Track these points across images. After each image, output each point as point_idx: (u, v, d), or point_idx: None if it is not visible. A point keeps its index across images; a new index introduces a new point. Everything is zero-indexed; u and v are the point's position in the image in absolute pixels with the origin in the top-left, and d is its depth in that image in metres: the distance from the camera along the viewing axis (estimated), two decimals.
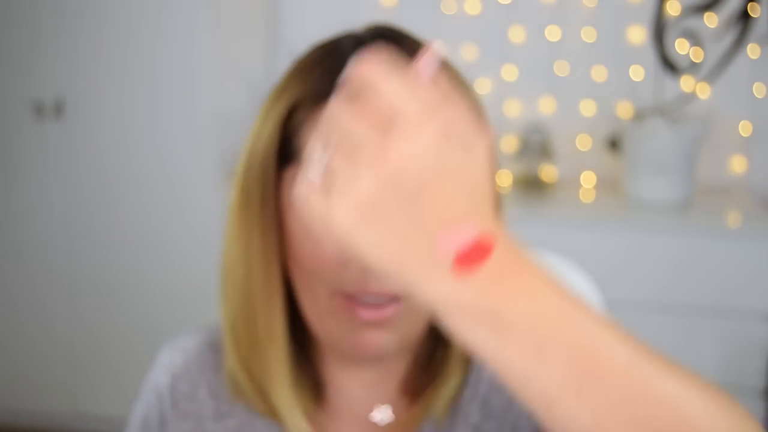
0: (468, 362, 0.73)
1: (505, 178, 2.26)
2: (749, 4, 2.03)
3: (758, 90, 2.23)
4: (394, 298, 0.66)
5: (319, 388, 0.74)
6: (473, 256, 0.45)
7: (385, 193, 0.43)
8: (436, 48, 0.46)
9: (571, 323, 0.44)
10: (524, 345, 0.44)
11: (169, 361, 0.78)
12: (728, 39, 2.07)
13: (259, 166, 0.69)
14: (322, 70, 0.67)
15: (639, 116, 2.15)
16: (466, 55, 2.34)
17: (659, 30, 2.05)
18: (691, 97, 2.15)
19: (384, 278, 0.45)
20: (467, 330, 0.45)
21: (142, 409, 0.78)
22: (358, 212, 0.43)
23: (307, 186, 0.44)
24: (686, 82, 2.14)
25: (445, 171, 0.44)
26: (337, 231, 0.44)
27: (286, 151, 0.68)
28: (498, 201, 0.75)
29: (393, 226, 0.43)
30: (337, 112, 0.44)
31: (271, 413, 0.72)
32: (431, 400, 0.71)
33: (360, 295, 0.65)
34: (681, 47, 2.11)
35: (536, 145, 2.23)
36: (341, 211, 0.43)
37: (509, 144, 2.33)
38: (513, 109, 2.35)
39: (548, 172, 2.23)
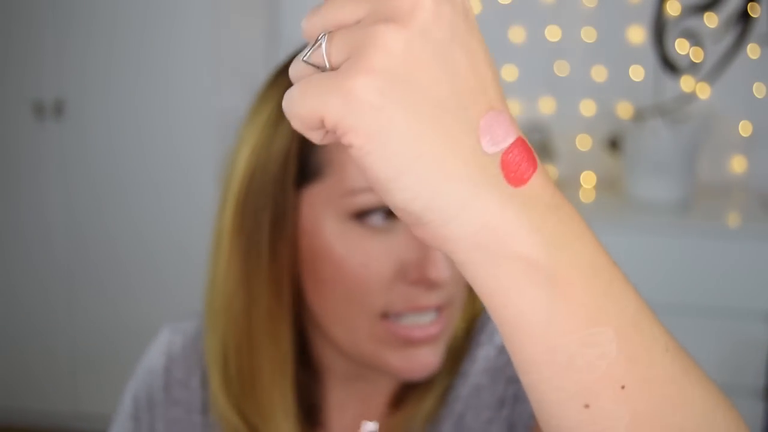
0: (450, 377, 0.70)
1: None
2: (749, 4, 2.03)
3: (758, 90, 2.23)
4: (439, 309, 0.63)
5: (314, 411, 0.71)
6: (519, 163, 0.35)
7: (414, 48, 0.33)
8: None
9: (618, 285, 0.36)
10: (579, 310, 0.35)
11: (168, 342, 0.75)
12: (728, 39, 2.07)
13: (270, 187, 0.63)
14: None
15: (639, 116, 2.15)
16: None
17: (659, 30, 2.05)
18: (691, 97, 2.15)
19: (411, 197, 0.33)
20: (511, 281, 0.35)
21: (134, 388, 0.75)
22: (388, 84, 0.32)
23: (304, 68, 0.35)
24: (686, 82, 2.14)
25: (473, 24, 0.36)
26: (355, 116, 0.33)
27: (303, 168, 0.63)
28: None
29: (428, 97, 0.33)
30: None
31: None
32: (411, 415, 0.69)
33: (408, 314, 0.62)
34: (681, 47, 2.11)
35: (536, 145, 2.23)
36: (367, 90, 0.32)
37: None
38: (513, 109, 2.35)
39: (548, 172, 2.23)
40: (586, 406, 0.35)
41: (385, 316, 0.63)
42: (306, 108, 0.33)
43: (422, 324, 0.62)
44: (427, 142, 0.33)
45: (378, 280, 0.61)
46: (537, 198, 0.35)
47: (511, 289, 0.34)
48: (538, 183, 0.35)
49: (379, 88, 0.32)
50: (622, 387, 0.35)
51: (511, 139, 0.34)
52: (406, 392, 0.71)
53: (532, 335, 0.35)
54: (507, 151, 0.34)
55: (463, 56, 0.34)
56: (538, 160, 0.35)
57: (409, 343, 0.62)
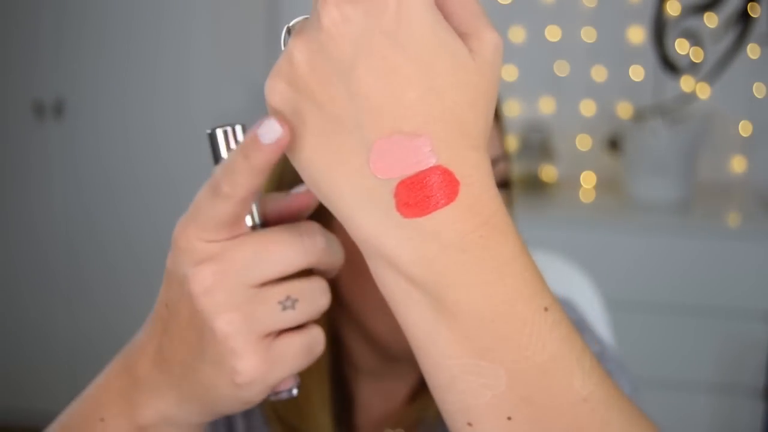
0: None
1: None
2: (749, 4, 2.03)
3: (758, 90, 2.23)
4: None
5: (348, 405, 0.70)
6: (423, 193, 0.33)
7: (315, 63, 0.33)
8: None
9: (530, 334, 0.34)
10: (463, 341, 0.34)
11: None
12: (728, 39, 2.07)
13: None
14: None
15: (639, 116, 2.15)
16: None
17: (659, 30, 2.04)
18: (691, 97, 2.15)
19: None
20: (396, 293, 0.35)
21: None
22: (290, 92, 0.34)
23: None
24: (686, 82, 2.14)
25: (407, 41, 0.32)
26: (271, 111, 0.35)
27: None
28: (497, 138, 0.67)
29: (323, 112, 0.33)
30: None
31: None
32: (425, 409, 0.68)
33: None
34: (681, 47, 2.11)
35: (536, 145, 2.23)
36: (272, 92, 0.35)
37: (509, 144, 2.32)
38: (513, 109, 2.35)
39: (548, 172, 2.23)
40: (469, 424, 0.35)
41: None
42: None
43: None
44: (317, 152, 0.34)
45: None
46: (434, 234, 0.33)
47: (399, 302, 0.35)
48: (444, 220, 0.33)
49: (282, 93, 0.34)
50: (509, 418, 0.34)
51: (413, 169, 0.32)
52: (423, 387, 0.69)
53: (418, 348, 0.36)
54: (405, 180, 0.33)
55: (369, 75, 0.32)
56: (461, 196, 0.33)
57: None
